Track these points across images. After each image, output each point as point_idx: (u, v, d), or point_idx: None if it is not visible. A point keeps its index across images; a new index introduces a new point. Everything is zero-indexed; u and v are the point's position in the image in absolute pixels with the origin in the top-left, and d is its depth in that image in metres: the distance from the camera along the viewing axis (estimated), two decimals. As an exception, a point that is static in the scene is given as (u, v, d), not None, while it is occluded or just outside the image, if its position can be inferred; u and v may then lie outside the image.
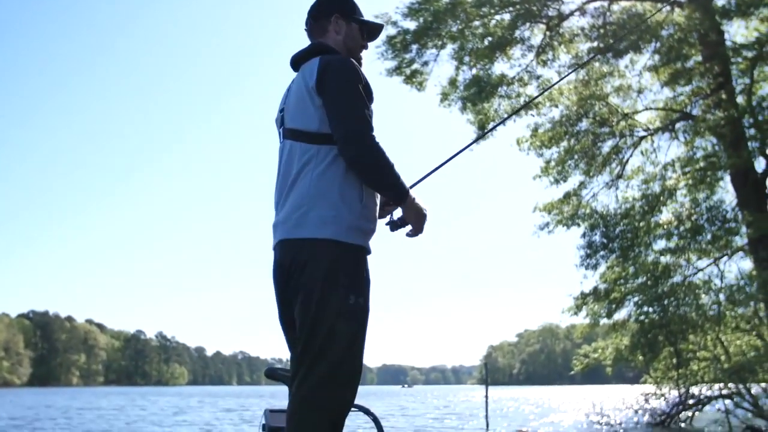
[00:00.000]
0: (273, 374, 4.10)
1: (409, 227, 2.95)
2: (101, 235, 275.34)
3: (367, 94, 2.76)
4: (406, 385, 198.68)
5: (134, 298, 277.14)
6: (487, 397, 17.51)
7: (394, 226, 3.01)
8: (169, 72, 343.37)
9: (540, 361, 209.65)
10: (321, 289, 2.56)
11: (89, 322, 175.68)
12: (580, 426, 18.10)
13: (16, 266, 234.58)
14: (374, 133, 2.65)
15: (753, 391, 17.30)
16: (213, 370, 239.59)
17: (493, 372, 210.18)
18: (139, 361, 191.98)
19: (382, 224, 3.02)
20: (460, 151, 3.46)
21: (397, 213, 3.04)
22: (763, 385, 17.30)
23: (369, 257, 2.80)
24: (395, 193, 2.70)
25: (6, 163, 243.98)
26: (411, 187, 3.03)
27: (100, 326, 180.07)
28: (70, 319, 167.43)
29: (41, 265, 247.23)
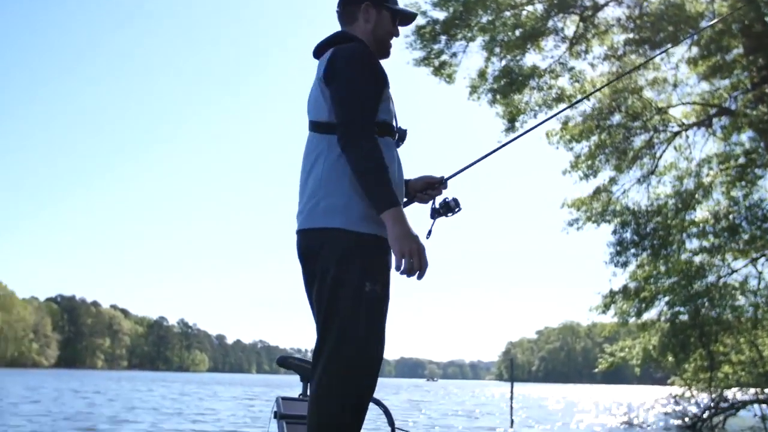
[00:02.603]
0: (285, 363, 4.08)
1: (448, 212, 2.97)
2: (127, 222, 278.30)
3: (378, 81, 2.74)
4: (430, 380, 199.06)
5: (158, 285, 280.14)
6: (512, 394, 17.15)
7: (435, 213, 2.93)
8: (187, 48, 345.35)
9: (560, 359, 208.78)
10: (334, 279, 2.56)
11: (114, 307, 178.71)
12: (609, 427, 17.63)
13: (45, 251, 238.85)
14: (371, 129, 2.61)
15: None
16: (233, 357, 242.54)
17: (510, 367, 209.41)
18: (161, 347, 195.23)
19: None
20: (500, 148, 3.35)
21: (440, 199, 2.98)
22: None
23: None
24: (373, 198, 2.56)
25: (38, 147, 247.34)
26: (446, 178, 3.02)
27: (125, 312, 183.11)
28: (95, 304, 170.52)
29: (69, 250, 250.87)
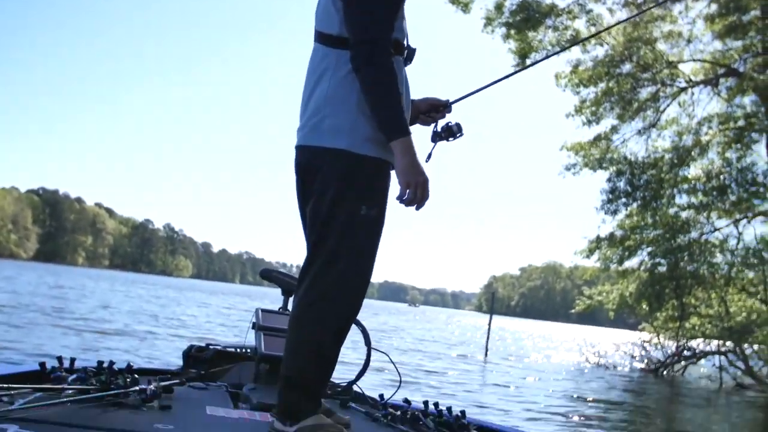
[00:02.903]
0: (269, 275, 4.00)
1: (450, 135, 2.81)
2: (120, 122, 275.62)
3: None
4: (412, 305, 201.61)
5: (146, 187, 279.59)
6: (490, 326, 17.72)
7: (436, 136, 2.83)
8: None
9: (539, 297, 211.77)
10: (331, 199, 2.46)
11: (99, 205, 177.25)
12: (578, 364, 18.40)
13: (31, 142, 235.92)
14: (388, 48, 2.45)
15: (746, 352, 17.59)
16: (217, 266, 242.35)
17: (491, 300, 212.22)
18: (145, 250, 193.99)
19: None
20: (507, 77, 3.25)
21: (443, 122, 2.87)
22: (756, 347, 17.51)
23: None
24: (384, 123, 2.43)
25: (35, 39, 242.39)
26: (451, 102, 2.91)
27: (110, 211, 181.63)
28: (79, 200, 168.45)
29: (56, 144, 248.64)
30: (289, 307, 3.75)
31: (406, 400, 3.10)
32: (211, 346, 3.79)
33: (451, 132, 2.85)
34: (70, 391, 2.47)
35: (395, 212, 2.56)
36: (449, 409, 2.89)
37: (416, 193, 2.41)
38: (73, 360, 2.87)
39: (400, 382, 3.54)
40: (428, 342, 20.21)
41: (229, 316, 23.31)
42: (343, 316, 2.49)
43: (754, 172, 18.33)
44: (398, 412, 2.86)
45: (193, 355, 3.73)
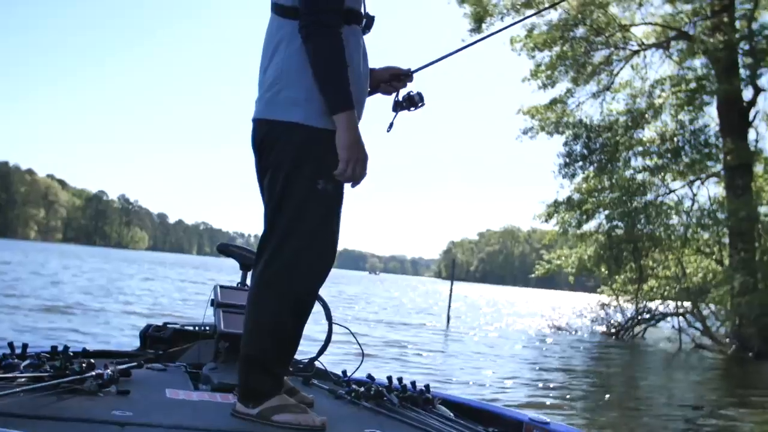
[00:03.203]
0: (226, 250, 3.92)
1: (412, 106, 2.74)
2: (72, 94, 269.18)
3: None
4: (372, 273, 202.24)
5: (99, 158, 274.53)
6: (451, 293, 17.78)
7: (397, 106, 2.76)
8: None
9: (498, 262, 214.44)
10: (287, 173, 2.39)
11: (51, 177, 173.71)
12: (539, 329, 18.62)
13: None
14: (336, 19, 2.37)
15: (704, 313, 17.93)
16: (174, 237, 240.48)
17: (451, 267, 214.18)
18: (100, 222, 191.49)
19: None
20: (467, 47, 3.18)
21: (404, 92, 2.79)
22: (712, 307, 17.85)
23: None
24: (328, 96, 2.36)
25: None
26: (413, 71, 2.82)
27: (62, 182, 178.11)
28: (30, 172, 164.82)
29: (5, 115, 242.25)
30: (248, 282, 3.69)
31: (370, 376, 3.03)
32: (169, 325, 3.71)
33: (413, 101, 2.78)
34: (23, 379, 2.37)
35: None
36: (413, 383, 2.86)
37: (355, 170, 2.36)
38: (25, 346, 2.75)
39: (363, 357, 3.45)
40: (390, 311, 20.22)
41: (185, 289, 22.90)
42: (301, 292, 2.42)
43: (707, 134, 18.59)
44: (362, 389, 2.79)
45: (151, 335, 3.64)
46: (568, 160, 20.13)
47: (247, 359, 2.38)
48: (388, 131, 2.71)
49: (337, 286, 39.55)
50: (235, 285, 3.73)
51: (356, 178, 2.39)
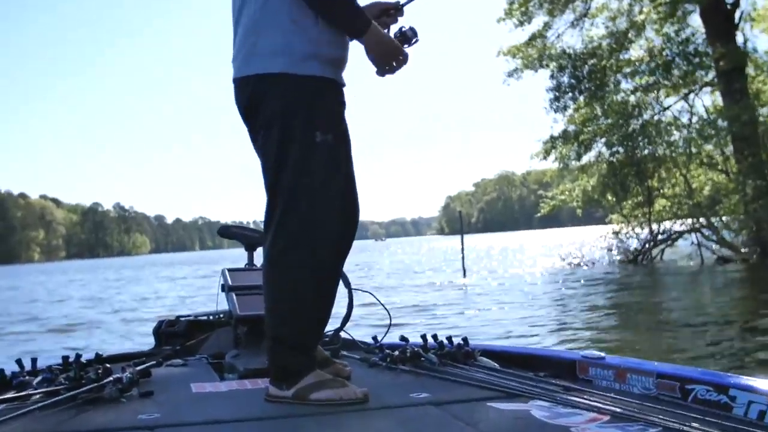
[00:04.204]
0: (227, 232, 3.78)
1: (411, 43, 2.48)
2: (49, 112, 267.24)
3: None
4: (378, 239, 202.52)
5: (87, 171, 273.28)
6: (462, 245, 17.49)
7: (405, 40, 2.48)
8: None
9: (498, 209, 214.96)
10: (280, 131, 2.21)
11: (44, 197, 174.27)
12: (557, 267, 18.32)
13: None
14: None
15: (717, 225, 17.62)
16: (174, 237, 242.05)
17: (452, 221, 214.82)
18: (99, 233, 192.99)
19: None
20: None
21: (395, 28, 2.54)
22: (724, 218, 17.53)
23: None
24: (351, 23, 2.25)
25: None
26: (403, 4, 2.59)
27: (56, 201, 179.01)
28: (23, 196, 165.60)
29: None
30: (256, 262, 3.56)
31: (403, 338, 2.85)
32: (182, 318, 3.54)
33: (406, 37, 2.50)
34: (38, 396, 2.21)
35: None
36: (449, 338, 2.73)
37: (398, 66, 2.34)
38: (34, 360, 2.64)
39: (390, 320, 3.34)
40: (403, 274, 19.89)
41: (192, 285, 22.44)
42: (319, 259, 2.22)
43: (695, 43, 18.11)
44: (396, 352, 2.64)
45: (165, 331, 3.47)
46: (557, 93, 19.75)
47: (274, 338, 2.21)
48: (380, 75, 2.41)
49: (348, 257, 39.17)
50: (242, 267, 3.54)
51: (398, 68, 2.35)
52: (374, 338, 3.09)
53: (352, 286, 3.21)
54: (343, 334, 3.14)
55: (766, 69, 17.97)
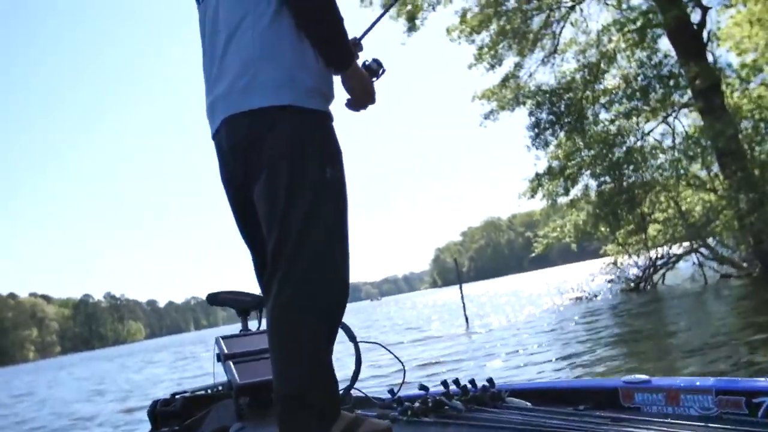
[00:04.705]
0: (216, 299, 3.58)
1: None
2: (25, 209, 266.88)
3: None
4: (374, 299, 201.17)
5: (73, 263, 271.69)
6: (462, 293, 17.23)
7: (372, 74, 2.40)
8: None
9: (487, 255, 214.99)
10: (290, 164, 2.06)
11: (33, 295, 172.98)
12: (560, 306, 17.98)
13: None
14: None
15: (712, 244, 17.45)
16: (168, 320, 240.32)
17: (444, 273, 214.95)
18: (93, 325, 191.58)
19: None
20: (384, 13, 2.91)
21: (359, 63, 2.40)
22: (716, 237, 17.39)
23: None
24: (339, 53, 2.16)
25: None
26: (359, 38, 2.51)
27: (46, 297, 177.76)
28: (12, 296, 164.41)
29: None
30: (251, 327, 3.49)
31: (423, 386, 2.65)
32: (178, 396, 3.35)
33: (372, 71, 2.40)
34: None
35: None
36: (472, 382, 2.53)
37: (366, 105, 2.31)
38: None
39: (404, 370, 3.04)
40: (405, 331, 19.37)
41: (185, 366, 21.40)
42: (333, 302, 2.07)
43: (669, 65, 18.21)
44: (416, 404, 2.41)
45: (161, 411, 3.26)
46: (537, 129, 19.75)
47: (288, 399, 1.97)
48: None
49: (345, 319, 38.60)
50: (235, 333, 3.37)
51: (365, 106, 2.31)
52: (390, 391, 2.82)
53: (357, 338, 3.02)
54: (354, 392, 2.93)
55: (739, 85, 18.05)
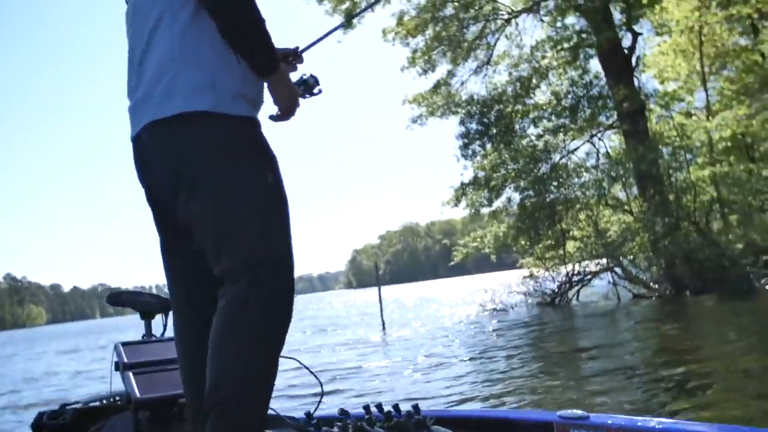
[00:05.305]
0: (118, 300, 3.37)
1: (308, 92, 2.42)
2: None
3: None
4: None
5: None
6: (381, 300, 17.09)
7: (308, 89, 2.37)
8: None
9: (404, 260, 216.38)
10: (224, 172, 1.93)
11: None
12: (475, 316, 18.01)
13: None
14: None
15: (625, 265, 17.84)
16: (73, 306, 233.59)
17: (360, 275, 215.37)
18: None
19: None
20: (330, 33, 2.74)
21: (295, 76, 2.38)
22: (632, 257, 17.78)
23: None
24: (264, 58, 2.03)
25: None
26: (301, 50, 2.44)
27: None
28: None
29: None
30: (155, 332, 3.26)
31: (343, 412, 2.55)
32: (68, 407, 3.05)
33: (309, 87, 2.37)
34: None
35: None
36: (396, 407, 2.42)
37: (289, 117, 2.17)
38: None
39: (322, 391, 2.93)
40: (321, 333, 18.90)
41: (81, 359, 19.64)
42: (287, 305, 1.97)
43: (599, 86, 18.56)
44: (335, 429, 2.31)
45: (47, 425, 2.96)
46: (466, 140, 19.83)
47: (222, 407, 1.83)
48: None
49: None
50: (138, 340, 3.13)
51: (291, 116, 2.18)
52: (307, 414, 2.66)
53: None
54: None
55: (661, 112, 18.53)
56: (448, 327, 15.11)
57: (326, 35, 2.63)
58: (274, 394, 2.55)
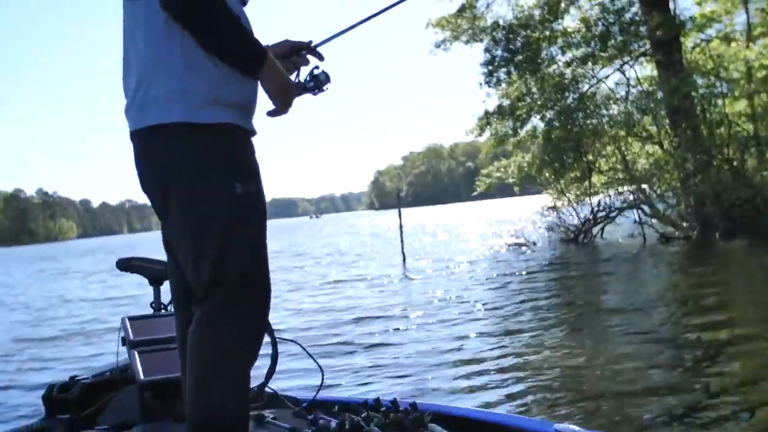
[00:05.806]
0: (126, 265, 3.44)
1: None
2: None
3: None
4: (313, 216, 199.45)
5: (6, 156, 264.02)
6: (402, 232, 16.86)
7: (300, 88, 2.25)
8: None
9: (427, 182, 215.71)
10: (191, 187, 1.92)
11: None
12: (499, 250, 17.72)
13: None
14: None
15: (653, 200, 17.23)
16: (102, 221, 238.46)
17: (382, 196, 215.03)
18: (23, 220, 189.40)
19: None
20: (370, 18, 2.60)
21: (306, 70, 2.30)
22: (658, 191, 17.21)
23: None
24: (242, 58, 1.96)
25: None
26: (316, 45, 2.36)
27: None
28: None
29: None
30: (163, 300, 3.28)
31: (342, 406, 2.56)
32: (78, 379, 3.06)
33: (318, 81, 2.29)
34: None
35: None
36: (394, 402, 2.46)
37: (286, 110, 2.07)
38: None
39: (323, 379, 2.85)
40: (338, 265, 18.59)
41: (106, 281, 19.95)
42: (254, 324, 1.98)
43: (631, 12, 17.66)
44: (332, 422, 2.32)
45: (57, 398, 3.02)
46: (491, 67, 19.13)
47: (199, 425, 1.90)
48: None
49: (279, 239, 38.22)
50: (146, 314, 3.16)
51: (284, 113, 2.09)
52: (304, 401, 2.72)
53: (275, 333, 2.78)
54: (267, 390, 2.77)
55: (696, 38, 17.65)
56: (469, 266, 14.71)
57: (344, 31, 2.54)
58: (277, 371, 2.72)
